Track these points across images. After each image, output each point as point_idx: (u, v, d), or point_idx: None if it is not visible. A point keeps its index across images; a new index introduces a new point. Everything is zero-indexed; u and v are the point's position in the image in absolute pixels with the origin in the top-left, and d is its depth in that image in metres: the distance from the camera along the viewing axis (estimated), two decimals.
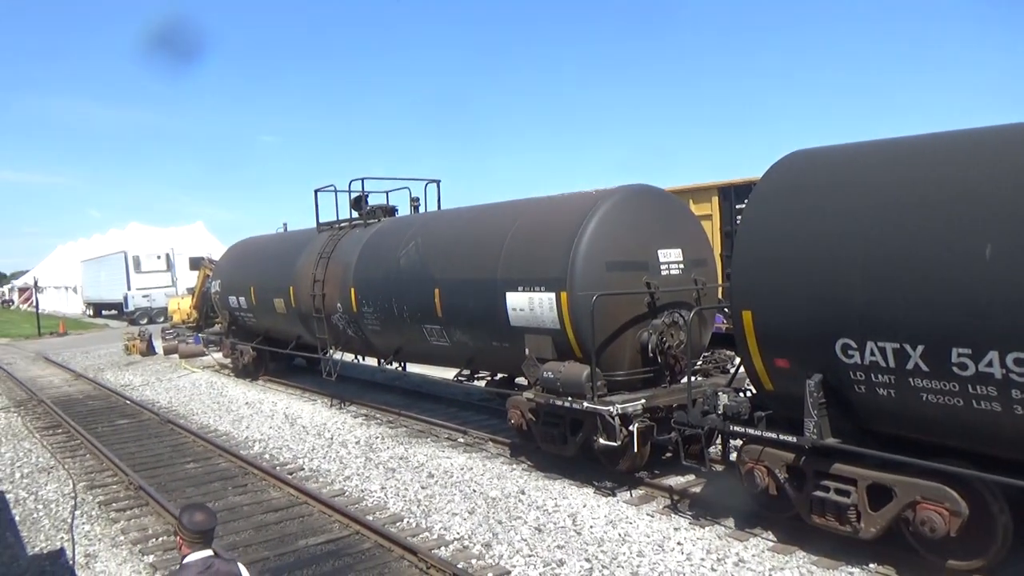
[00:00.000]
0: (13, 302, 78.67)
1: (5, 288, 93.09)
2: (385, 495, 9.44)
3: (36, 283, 56.71)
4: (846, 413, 6.66)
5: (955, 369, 5.71)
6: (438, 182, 15.63)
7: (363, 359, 16.47)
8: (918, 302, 5.87)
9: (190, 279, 34.92)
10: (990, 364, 5.51)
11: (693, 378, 8.64)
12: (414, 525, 8.36)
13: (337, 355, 15.42)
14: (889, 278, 6.08)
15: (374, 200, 15.55)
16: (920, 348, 5.88)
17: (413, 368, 14.23)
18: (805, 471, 6.97)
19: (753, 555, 7.07)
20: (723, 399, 7.69)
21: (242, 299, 18.54)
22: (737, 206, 14.12)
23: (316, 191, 15.92)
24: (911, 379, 6.02)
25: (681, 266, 9.94)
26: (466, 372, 12.31)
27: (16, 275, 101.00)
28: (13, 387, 20.44)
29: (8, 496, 10.24)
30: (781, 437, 7.00)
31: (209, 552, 3.79)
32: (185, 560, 3.72)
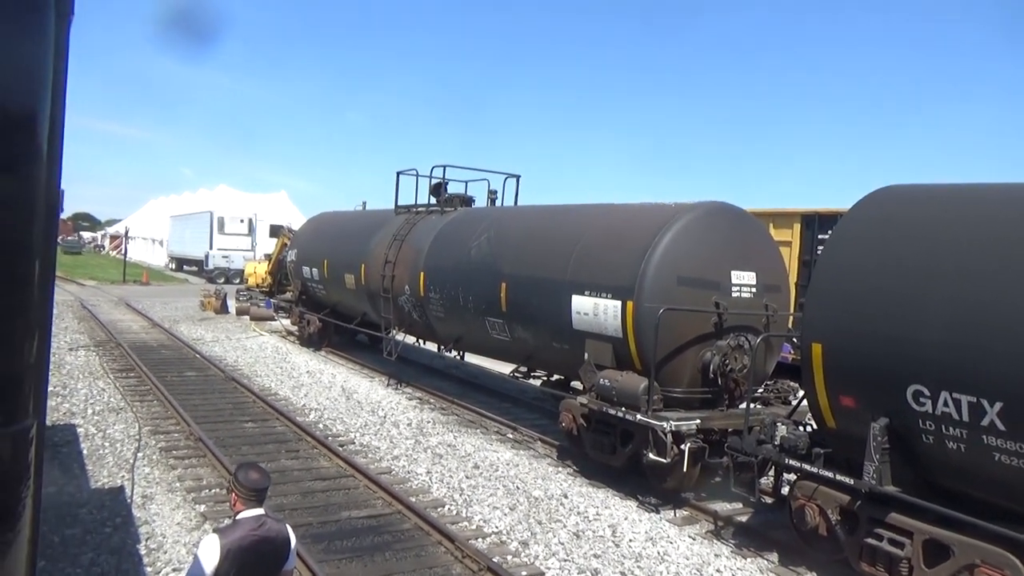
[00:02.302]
0: (104, 248, 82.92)
1: (98, 234, 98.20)
2: (430, 479, 9.58)
3: (127, 232, 59.56)
4: (909, 462, 6.40)
5: None
6: (518, 177, 15.73)
7: (424, 343, 16.73)
8: (1000, 354, 5.59)
9: (269, 245, 36.12)
10: None
11: (752, 405, 8.45)
12: (455, 513, 8.45)
13: (399, 336, 15.70)
14: (972, 325, 5.81)
15: (453, 189, 15.77)
16: (998, 405, 5.60)
17: (471, 359, 14.37)
18: (859, 516, 6.73)
19: None
20: (781, 430, 7.51)
21: (315, 270, 19.06)
22: (819, 236, 13.71)
23: (398, 173, 16.22)
24: (984, 436, 5.74)
25: (753, 290, 9.73)
26: (523, 369, 12.36)
27: (109, 223, 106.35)
28: (95, 328, 21.55)
29: (79, 430, 10.82)
30: (838, 477, 6.78)
31: (261, 511, 3.92)
32: (238, 516, 3.86)
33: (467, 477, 9.70)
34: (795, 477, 7.54)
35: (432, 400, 14.31)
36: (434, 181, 15.70)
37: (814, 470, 7.03)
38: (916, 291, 6.28)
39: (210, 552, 3.64)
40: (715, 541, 8.08)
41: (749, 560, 7.59)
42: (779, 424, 7.60)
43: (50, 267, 2.66)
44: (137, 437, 10.63)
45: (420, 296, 13.83)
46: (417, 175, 15.81)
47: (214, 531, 3.84)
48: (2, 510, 2.50)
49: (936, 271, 6.23)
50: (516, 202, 15.52)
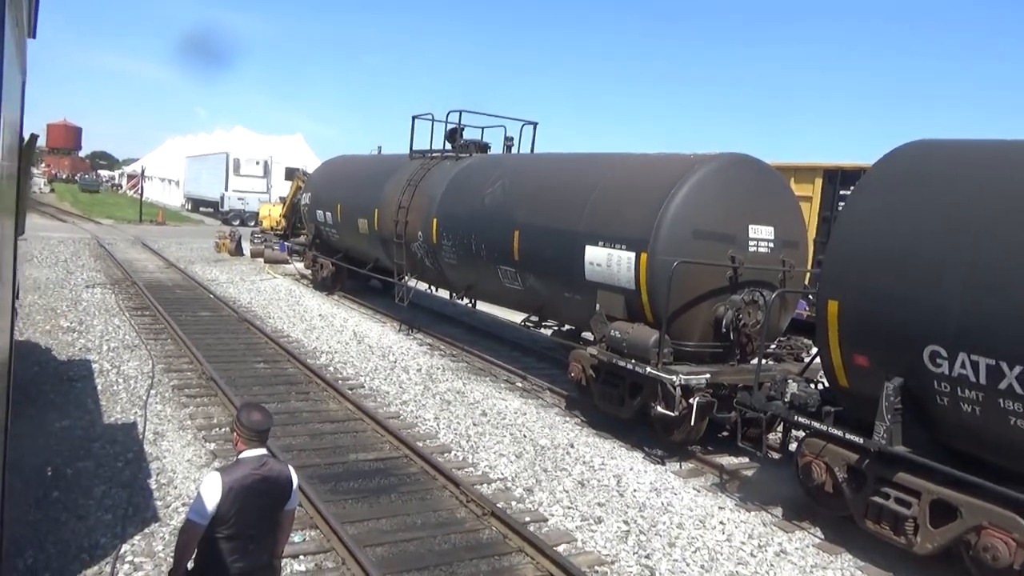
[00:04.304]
0: (122, 187, 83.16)
1: (116, 173, 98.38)
2: (438, 425, 9.63)
3: (143, 172, 59.60)
4: (921, 423, 6.33)
5: None
6: (535, 124, 15.44)
7: (436, 290, 16.70)
8: (1022, 318, 5.44)
9: (284, 188, 35.99)
10: None
11: (764, 361, 8.37)
12: (461, 459, 8.51)
13: (411, 282, 15.67)
14: (994, 287, 5.65)
15: (469, 134, 15.50)
16: (1018, 369, 5.48)
17: (483, 307, 14.33)
18: (867, 474, 6.69)
19: (797, 548, 6.90)
20: (792, 387, 7.44)
21: (328, 214, 18.97)
22: (841, 192, 13.41)
23: (414, 118, 15.97)
24: (1001, 400, 5.64)
25: (771, 244, 9.54)
26: (534, 319, 12.31)
27: (127, 162, 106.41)
28: (112, 266, 21.70)
29: (94, 366, 10.95)
30: (848, 436, 6.72)
31: (264, 451, 3.91)
32: (241, 456, 3.85)
33: (474, 424, 9.75)
34: (803, 434, 7.49)
35: (442, 347, 14.34)
36: (450, 127, 15.44)
37: (824, 428, 6.97)
38: (938, 251, 6.11)
39: (212, 490, 3.65)
40: (719, 494, 8.10)
41: (752, 513, 7.61)
42: (790, 381, 7.52)
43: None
44: (150, 375, 10.74)
45: (433, 243, 13.73)
46: (433, 120, 15.55)
47: (216, 470, 3.84)
48: None
49: (959, 230, 6.04)
50: (532, 150, 15.25)
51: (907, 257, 6.30)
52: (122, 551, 5.88)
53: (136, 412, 9.13)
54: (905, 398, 6.27)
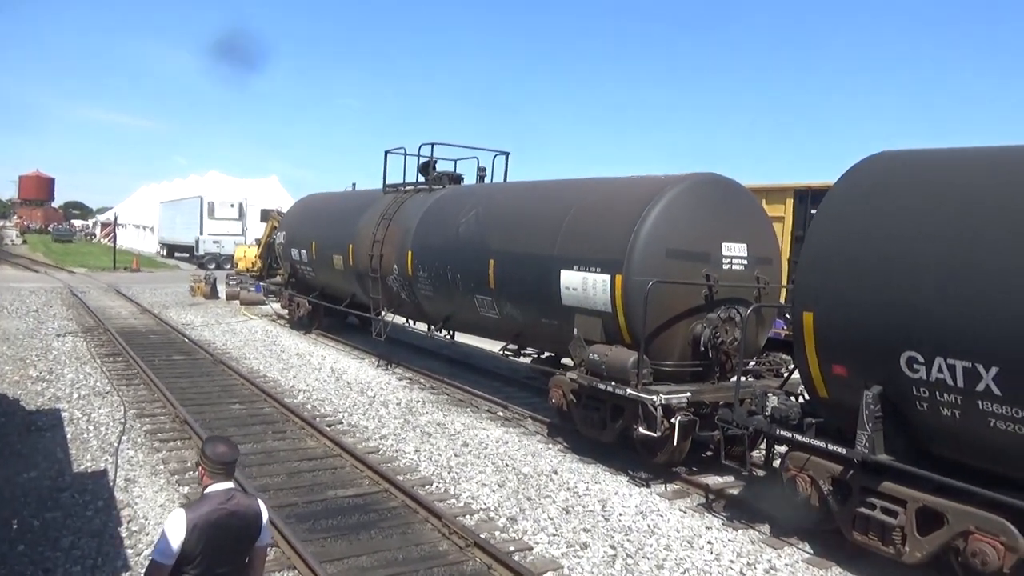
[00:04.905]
0: (95, 235, 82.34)
1: (89, 222, 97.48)
2: (418, 458, 9.45)
3: (116, 219, 59.05)
4: (903, 430, 6.29)
5: None
6: (507, 154, 15.50)
7: (414, 324, 16.56)
8: (997, 319, 5.46)
9: (259, 230, 35.76)
10: None
11: (743, 378, 8.33)
12: (442, 490, 8.33)
13: (388, 317, 15.54)
14: (967, 290, 5.68)
15: (442, 167, 15.54)
16: (994, 370, 5.48)
17: (461, 338, 14.22)
18: (852, 485, 6.63)
19: (786, 564, 6.79)
20: (772, 401, 7.39)
21: (303, 252, 18.84)
22: (812, 210, 13.54)
23: (386, 152, 15.98)
24: (980, 402, 5.63)
25: (744, 262, 9.58)
26: (512, 347, 12.22)
27: (101, 211, 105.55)
28: (84, 314, 21.32)
29: (64, 414, 10.66)
30: (830, 447, 6.67)
31: (231, 484, 3.78)
32: (207, 490, 3.72)
33: (456, 455, 9.58)
34: (786, 448, 7.43)
35: (422, 380, 14.18)
36: (422, 159, 15.47)
37: (805, 440, 6.92)
38: (908, 257, 6.14)
39: (176, 527, 3.51)
40: (706, 514, 7.98)
41: (740, 532, 7.50)
42: (770, 395, 7.48)
43: None
44: (122, 420, 10.47)
45: (409, 275, 13.65)
46: (405, 153, 15.57)
47: (180, 506, 3.70)
48: None
49: (928, 236, 6.08)
50: (506, 179, 15.30)
51: (879, 265, 6.32)
52: None
53: (107, 459, 8.87)
54: (885, 406, 6.24)
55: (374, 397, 12.65)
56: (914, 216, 6.30)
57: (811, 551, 7.09)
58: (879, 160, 7.08)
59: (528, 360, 12.63)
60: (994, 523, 5.70)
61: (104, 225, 78.30)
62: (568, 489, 8.46)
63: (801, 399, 7.74)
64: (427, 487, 8.40)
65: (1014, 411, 5.45)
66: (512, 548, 6.78)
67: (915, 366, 5.97)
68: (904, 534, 6.20)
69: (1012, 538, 5.60)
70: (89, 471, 8.49)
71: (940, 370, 5.81)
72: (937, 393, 5.88)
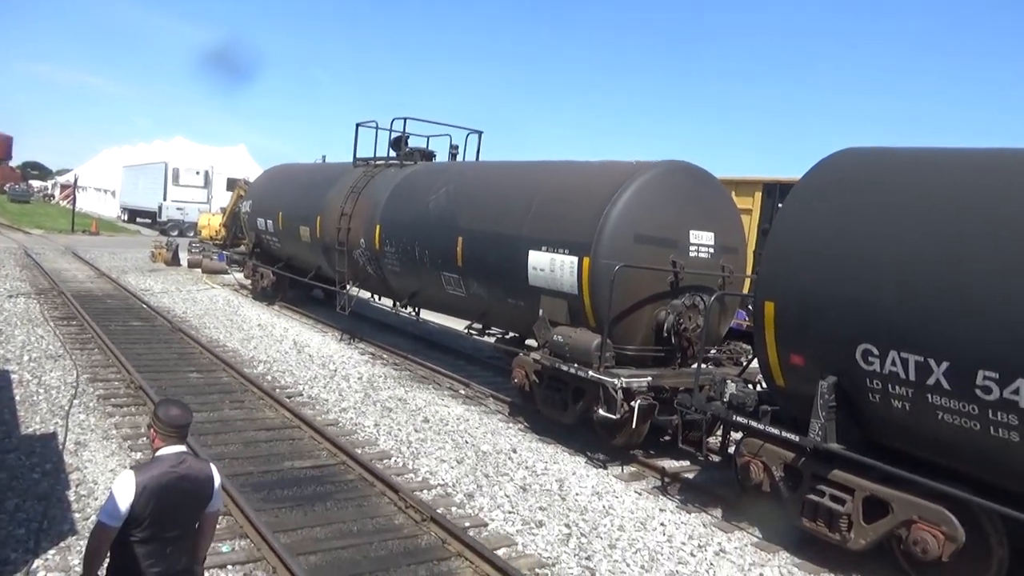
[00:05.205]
0: (54, 197, 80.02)
1: (48, 183, 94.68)
2: (377, 432, 9.42)
3: (76, 181, 57.50)
4: (855, 420, 6.43)
5: (978, 392, 5.46)
6: (480, 133, 15.39)
7: (379, 299, 16.45)
8: (950, 316, 5.60)
9: (225, 199, 35.11)
10: (1017, 392, 5.25)
11: (704, 365, 8.43)
12: (400, 465, 8.32)
13: (354, 291, 15.40)
14: (923, 287, 5.81)
15: (415, 143, 15.37)
16: (945, 365, 5.62)
17: (427, 316, 14.15)
18: (803, 472, 6.77)
19: (736, 547, 6.93)
20: (731, 388, 7.50)
21: (270, 222, 18.55)
22: (779, 205, 13.71)
23: (358, 125, 15.75)
24: (930, 395, 5.77)
25: (711, 250, 9.67)
26: (477, 326, 12.20)
27: (61, 172, 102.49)
28: (38, 276, 20.77)
29: (13, 376, 10.39)
30: (784, 434, 6.81)
31: (183, 448, 3.71)
32: (158, 453, 3.65)
33: (416, 431, 9.57)
34: (742, 435, 7.56)
35: (385, 356, 14.10)
36: (394, 134, 15.28)
37: (760, 427, 7.05)
38: (868, 252, 6.25)
39: (125, 489, 3.43)
40: (661, 496, 8.10)
41: (693, 515, 7.63)
42: (728, 382, 7.58)
43: None
44: (74, 384, 10.25)
45: (376, 250, 13.53)
46: (377, 127, 15.36)
47: (130, 468, 3.62)
48: None
49: (887, 233, 6.20)
50: (478, 158, 15.20)
51: (840, 259, 6.43)
52: (34, 566, 5.53)
53: (57, 423, 8.67)
54: (839, 396, 6.37)
55: (335, 371, 12.55)
56: (874, 213, 6.40)
57: (760, 535, 7.24)
58: (843, 157, 7.19)
59: (493, 340, 12.63)
60: (936, 512, 5.87)
61: (64, 187, 76.16)
62: (526, 468, 8.51)
63: (759, 387, 7.86)
64: (385, 461, 8.38)
65: (961, 405, 5.60)
66: (468, 524, 6.81)
67: (870, 358, 6.10)
68: (851, 521, 6.36)
69: (952, 528, 5.78)
70: (38, 434, 8.30)
71: (894, 363, 5.95)
72: (890, 385, 6.02)
